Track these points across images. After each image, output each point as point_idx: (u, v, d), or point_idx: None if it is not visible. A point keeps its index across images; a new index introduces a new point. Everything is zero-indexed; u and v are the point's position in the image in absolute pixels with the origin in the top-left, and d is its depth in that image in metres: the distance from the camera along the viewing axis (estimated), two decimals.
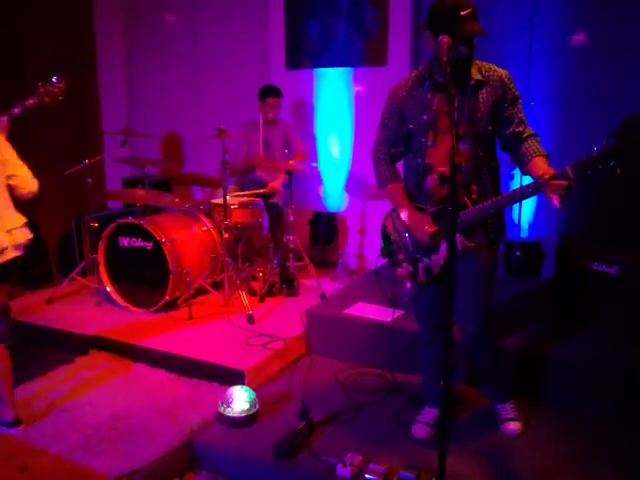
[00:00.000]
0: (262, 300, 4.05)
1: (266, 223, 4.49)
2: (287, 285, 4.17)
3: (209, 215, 4.23)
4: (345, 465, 2.30)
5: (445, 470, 1.91)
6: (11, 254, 2.55)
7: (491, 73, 2.27)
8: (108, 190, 5.69)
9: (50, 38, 5.21)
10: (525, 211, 4.20)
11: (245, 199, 4.28)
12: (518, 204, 4.15)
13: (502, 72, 2.29)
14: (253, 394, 2.76)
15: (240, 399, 2.70)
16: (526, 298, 3.60)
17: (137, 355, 3.35)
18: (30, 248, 2.68)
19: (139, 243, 3.85)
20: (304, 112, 4.94)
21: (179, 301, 3.93)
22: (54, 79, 2.79)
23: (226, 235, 3.92)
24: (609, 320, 2.95)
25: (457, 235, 2.29)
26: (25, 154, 2.73)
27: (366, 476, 2.26)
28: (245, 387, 2.80)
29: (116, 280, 4.00)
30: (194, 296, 3.96)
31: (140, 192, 4.11)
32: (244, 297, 3.78)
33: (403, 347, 3.05)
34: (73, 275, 4.23)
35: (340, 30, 4.64)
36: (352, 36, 4.60)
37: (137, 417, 2.77)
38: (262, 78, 4.82)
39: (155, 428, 2.68)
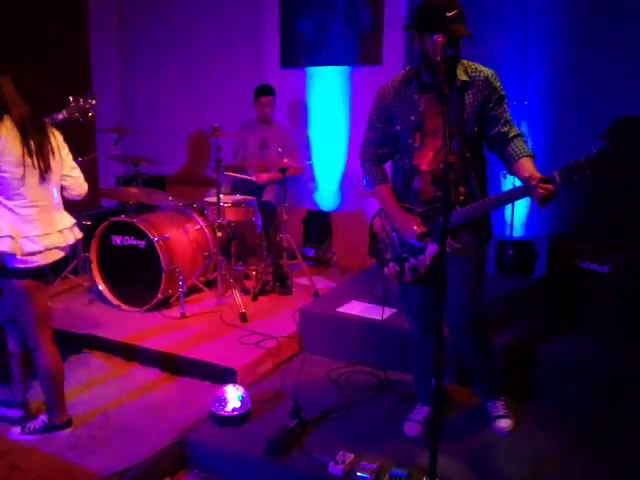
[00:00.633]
0: (255, 298, 4.05)
1: (260, 222, 4.49)
2: (280, 283, 4.17)
3: (202, 213, 4.22)
4: (337, 463, 2.31)
5: (436, 468, 1.92)
6: (60, 254, 2.56)
7: (477, 73, 2.27)
8: (101, 188, 5.66)
9: (44, 35, 5.18)
10: (518, 210, 4.21)
11: (239, 197, 4.28)
12: (511, 205, 4.16)
13: (488, 72, 2.29)
14: (245, 393, 2.75)
15: (232, 398, 2.69)
16: (518, 297, 3.61)
17: (129, 354, 3.34)
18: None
19: (132, 241, 3.84)
20: (299, 111, 4.93)
21: (172, 300, 3.92)
22: (87, 96, 2.79)
23: (219, 233, 3.92)
24: (600, 319, 2.96)
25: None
26: None
27: (358, 474, 2.27)
28: (238, 385, 2.80)
29: (108, 278, 3.98)
30: (187, 295, 3.95)
31: (133, 190, 4.10)
32: (237, 295, 3.78)
33: (395, 345, 3.06)
34: (65, 273, 4.21)
35: (335, 29, 4.64)
36: (347, 35, 4.60)
37: (129, 416, 2.77)
38: (257, 77, 4.82)
39: (147, 427, 2.67)
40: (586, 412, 2.70)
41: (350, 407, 2.82)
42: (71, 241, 2.60)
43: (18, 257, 2.39)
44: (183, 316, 3.73)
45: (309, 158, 4.90)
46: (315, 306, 3.65)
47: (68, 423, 2.66)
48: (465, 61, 2.30)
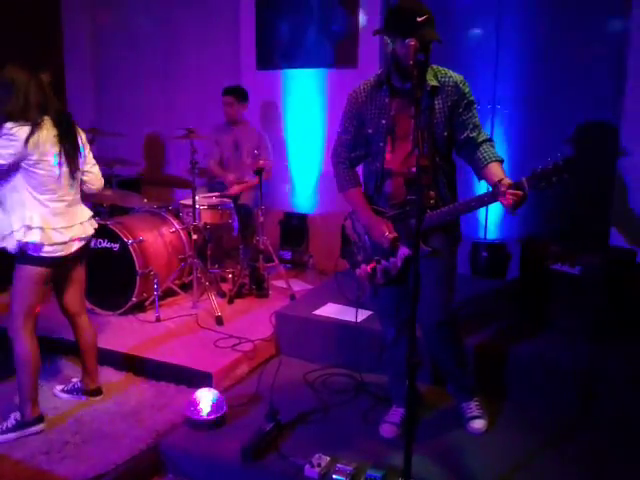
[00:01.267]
0: (231, 301, 4.03)
1: (236, 224, 4.47)
2: (257, 286, 4.16)
3: (178, 216, 4.19)
4: (313, 466, 2.31)
5: (411, 469, 1.93)
6: (79, 244, 2.71)
7: (447, 79, 2.29)
8: None
9: (15, 34, 5.10)
10: (492, 212, 4.27)
11: (215, 200, 4.26)
12: (485, 208, 4.21)
13: (457, 77, 2.32)
14: (221, 396, 2.74)
15: (207, 401, 2.67)
16: (491, 298, 3.65)
17: (103, 358, 3.27)
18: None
19: (105, 244, 3.80)
20: (274, 112, 4.93)
21: (147, 303, 3.88)
22: None
23: (195, 236, 3.89)
24: (571, 319, 3.02)
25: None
26: None
27: (334, 476, 2.27)
28: (213, 389, 2.79)
29: None
30: (162, 298, 3.92)
31: (107, 192, 4.05)
32: (213, 299, 3.76)
33: (371, 347, 3.07)
34: None
35: (311, 31, 4.65)
36: (322, 37, 4.62)
37: (102, 421, 2.73)
38: (233, 79, 4.80)
39: (121, 432, 2.64)
40: (558, 411, 2.75)
41: (326, 409, 2.83)
42: (91, 232, 2.79)
43: (45, 247, 2.53)
44: (158, 320, 3.70)
45: (285, 160, 4.90)
46: (291, 309, 3.65)
47: (40, 419, 2.69)
48: (435, 66, 2.32)
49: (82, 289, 2.94)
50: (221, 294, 4.12)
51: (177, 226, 4.09)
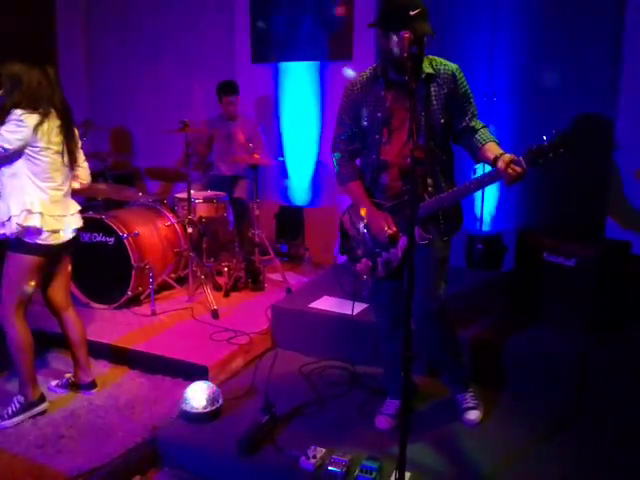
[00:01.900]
0: (227, 295, 4.03)
1: (232, 217, 4.47)
2: (252, 280, 4.16)
3: (173, 209, 4.18)
4: (308, 458, 2.31)
5: (405, 460, 1.94)
6: (72, 234, 2.76)
7: (442, 67, 2.31)
8: None
9: (7, 26, 5.06)
10: (487, 204, 4.27)
11: (210, 193, 4.25)
12: (481, 198, 4.22)
13: (453, 66, 2.33)
14: (217, 389, 2.74)
15: (203, 395, 2.68)
16: (487, 290, 3.66)
17: (98, 352, 3.29)
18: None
19: (100, 238, 3.78)
20: (270, 105, 4.92)
21: (142, 297, 3.88)
22: None
23: (190, 230, 3.88)
24: (566, 311, 3.03)
25: (415, 228, 2.32)
26: None
27: (329, 468, 2.27)
28: (208, 382, 2.79)
29: (77, 276, 3.87)
30: (157, 292, 3.91)
31: (101, 186, 4.04)
32: (208, 292, 3.76)
33: (367, 340, 3.07)
34: None
35: (306, 24, 4.63)
36: (317, 30, 4.60)
37: (98, 414, 2.73)
38: (227, 72, 4.78)
39: (117, 425, 2.64)
40: (552, 403, 2.76)
41: (322, 402, 2.83)
42: (80, 224, 2.82)
43: (42, 233, 2.57)
44: (154, 313, 3.69)
45: (281, 153, 4.89)
46: (287, 302, 3.65)
47: (42, 398, 2.77)
48: (431, 56, 2.32)
49: (68, 283, 2.96)
50: (217, 287, 4.12)
51: (172, 220, 4.08)
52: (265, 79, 4.85)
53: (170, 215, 4.10)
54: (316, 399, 2.85)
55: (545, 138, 2.03)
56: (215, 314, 3.63)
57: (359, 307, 3.19)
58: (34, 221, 2.56)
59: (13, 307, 2.67)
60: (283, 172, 4.96)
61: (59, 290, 2.88)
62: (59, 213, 2.66)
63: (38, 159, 2.56)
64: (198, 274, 3.91)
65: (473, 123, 2.35)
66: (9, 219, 2.55)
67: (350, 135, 2.45)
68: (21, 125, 2.48)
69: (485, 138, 2.31)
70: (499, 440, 2.51)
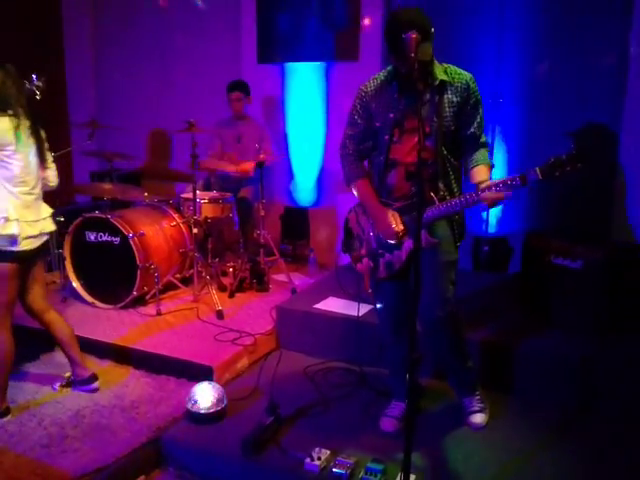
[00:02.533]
0: (232, 295, 4.03)
1: (237, 218, 4.46)
2: (257, 280, 4.16)
3: (178, 210, 4.18)
4: (313, 459, 2.31)
5: (410, 463, 1.93)
6: (45, 238, 2.71)
7: (456, 76, 2.31)
8: (75, 184, 5.58)
9: (15, 27, 5.08)
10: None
11: (215, 194, 4.25)
12: None
13: (467, 75, 2.33)
14: (221, 390, 2.74)
15: (208, 395, 2.67)
16: (493, 293, 3.65)
17: (103, 352, 3.30)
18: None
19: (106, 238, 3.79)
20: (275, 106, 4.91)
21: (147, 297, 3.88)
22: (33, 76, 2.78)
23: (195, 230, 3.89)
24: (573, 314, 3.01)
25: (422, 231, 2.31)
26: None
27: (334, 470, 2.27)
28: (213, 383, 2.79)
29: (83, 276, 3.93)
30: (163, 292, 3.92)
31: (107, 186, 4.04)
32: (213, 292, 3.76)
33: (372, 341, 3.06)
34: None
35: (312, 24, 4.63)
36: (324, 31, 4.59)
37: (103, 414, 2.73)
38: (233, 72, 4.79)
39: (121, 425, 2.64)
40: (560, 405, 2.75)
41: (327, 403, 2.83)
42: (53, 228, 2.76)
43: (19, 240, 2.53)
44: (159, 313, 3.70)
45: (286, 154, 4.89)
46: (292, 303, 3.64)
47: (94, 378, 2.90)
48: (445, 64, 2.33)
49: (44, 286, 2.93)
50: (222, 288, 4.12)
51: (178, 220, 4.08)
52: (271, 80, 4.85)
53: (176, 215, 4.11)
54: (321, 400, 2.85)
55: (564, 153, 2.03)
56: (220, 314, 3.63)
57: (364, 308, 3.18)
58: (12, 229, 2.50)
59: (1, 318, 2.63)
60: (288, 173, 4.96)
61: (37, 295, 2.83)
62: (32, 218, 2.60)
63: (10, 163, 2.49)
64: (203, 274, 3.92)
65: (479, 132, 2.37)
66: None
67: (362, 135, 2.44)
68: None
69: (480, 159, 2.35)
70: (506, 443, 2.50)
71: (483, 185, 2.23)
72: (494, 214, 4.29)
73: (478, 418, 2.60)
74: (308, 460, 2.31)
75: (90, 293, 3.89)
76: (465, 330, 2.60)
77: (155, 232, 3.92)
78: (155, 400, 2.86)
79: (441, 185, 2.33)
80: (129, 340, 3.32)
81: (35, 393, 2.93)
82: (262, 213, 4.10)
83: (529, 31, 4.04)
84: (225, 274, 4.31)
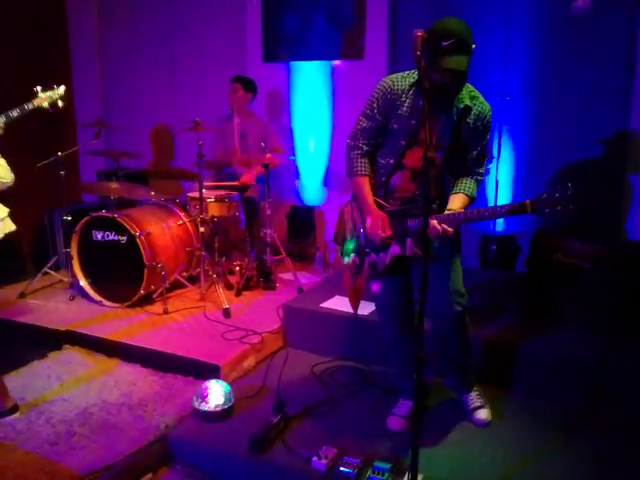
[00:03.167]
0: (239, 294, 4.03)
1: (244, 217, 4.47)
2: (264, 279, 4.16)
3: (185, 208, 4.19)
4: (320, 458, 2.31)
5: (418, 462, 1.93)
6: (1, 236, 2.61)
7: (479, 105, 2.31)
8: (82, 183, 5.60)
9: (22, 27, 5.10)
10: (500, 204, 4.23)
11: (222, 192, 4.25)
12: (494, 198, 4.19)
13: (487, 107, 2.33)
14: (228, 388, 2.74)
15: (215, 393, 2.68)
16: (501, 291, 3.63)
17: (111, 350, 3.31)
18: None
19: (113, 237, 3.80)
20: (281, 105, 4.91)
21: (154, 295, 3.89)
22: (54, 85, 2.77)
23: (202, 229, 3.89)
24: (581, 313, 2.99)
25: (408, 239, 2.32)
26: None
27: (341, 469, 2.26)
28: (220, 381, 2.79)
29: (90, 274, 3.94)
30: (170, 290, 3.93)
31: (114, 185, 4.05)
32: (220, 291, 3.76)
33: (379, 339, 3.05)
34: (46, 269, 4.16)
35: (317, 23, 4.62)
36: (329, 29, 4.58)
37: (110, 412, 2.74)
38: (239, 71, 4.78)
39: (129, 423, 2.65)
40: (566, 406, 2.73)
41: (334, 402, 2.82)
42: (13, 228, 2.67)
43: None
44: (166, 312, 3.70)
45: (292, 153, 4.89)
46: (299, 301, 3.64)
47: (14, 409, 2.69)
48: (471, 87, 2.33)
49: None
50: (228, 287, 4.12)
51: (184, 219, 4.09)
52: (277, 78, 4.84)
53: (182, 214, 4.11)
54: (328, 399, 2.85)
55: (557, 188, 2.03)
56: (227, 313, 3.64)
57: (370, 307, 3.17)
58: None
59: None
60: (295, 172, 4.95)
61: None
62: None
63: None
64: (210, 273, 3.92)
65: (475, 158, 2.36)
66: None
67: (377, 130, 2.38)
68: None
69: (464, 189, 2.34)
70: (513, 443, 2.48)
71: (446, 212, 2.25)
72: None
73: (482, 414, 2.61)
74: (315, 459, 2.31)
75: (97, 292, 3.90)
76: (470, 328, 2.61)
77: (162, 231, 3.93)
78: (162, 398, 2.87)
79: (437, 200, 2.36)
80: (136, 338, 3.33)
81: (43, 391, 2.94)
82: (268, 212, 4.10)
83: (537, 29, 4.02)
84: (232, 273, 4.32)
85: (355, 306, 2.67)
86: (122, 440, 2.51)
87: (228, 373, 3.04)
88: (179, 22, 5.24)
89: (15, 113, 2.62)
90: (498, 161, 4.02)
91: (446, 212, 2.28)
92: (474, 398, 2.65)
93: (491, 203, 4.23)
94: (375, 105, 2.36)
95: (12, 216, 2.70)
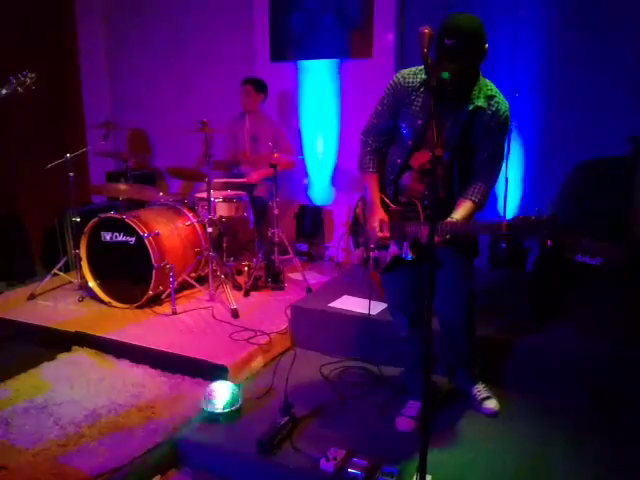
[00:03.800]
0: (247, 294, 4.02)
1: (252, 217, 4.46)
2: (272, 279, 4.15)
3: (193, 209, 4.19)
4: (328, 459, 2.29)
5: (426, 464, 1.90)
6: None
7: (494, 103, 2.22)
8: (92, 184, 5.63)
9: (30, 28, 5.13)
10: (510, 203, 4.20)
11: (230, 193, 4.25)
12: (503, 196, 4.16)
13: (504, 106, 2.24)
14: (236, 389, 2.74)
15: (223, 394, 2.67)
16: (510, 290, 3.60)
17: (120, 351, 3.31)
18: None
19: (122, 238, 3.81)
20: (289, 104, 4.90)
21: (163, 296, 3.89)
22: (25, 72, 2.91)
23: (210, 229, 3.89)
24: (592, 312, 2.96)
25: (405, 243, 2.32)
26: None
27: (349, 470, 2.25)
28: (228, 382, 2.78)
29: (99, 275, 3.95)
30: (178, 291, 3.93)
31: (123, 186, 4.06)
32: (228, 291, 3.76)
33: (388, 340, 3.04)
34: (55, 270, 4.18)
35: (325, 22, 4.60)
36: (337, 28, 4.56)
37: (119, 413, 2.73)
38: (247, 71, 4.78)
39: (137, 424, 2.65)
40: (576, 405, 2.70)
41: (342, 403, 2.81)
42: None
43: None
44: (174, 313, 3.70)
45: (301, 152, 4.87)
46: (307, 301, 3.63)
47: None
48: (489, 84, 2.25)
49: None
50: (237, 287, 4.12)
51: (192, 219, 4.09)
52: (284, 78, 4.83)
53: (190, 215, 4.11)
54: (336, 400, 2.83)
55: (537, 212, 2.00)
56: (235, 313, 3.63)
57: (379, 306, 3.15)
58: None
59: None
60: (303, 171, 4.94)
61: None
62: None
63: None
64: (218, 273, 3.92)
65: (487, 160, 2.29)
66: None
67: (386, 128, 2.37)
68: None
69: (472, 194, 2.28)
70: (522, 443, 2.46)
71: (448, 220, 2.21)
72: (511, 210, 4.23)
73: (491, 403, 2.65)
74: (323, 460, 2.29)
75: (106, 293, 3.91)
76: (479, 326, 2.63)
77: (170, 232, 3.93)
78: (171, 399, 2.86)
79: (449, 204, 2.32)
80: (145, 339, 3.33)
81: (52, 392, 2.94)
82: (276, 212, 4.09)
83: (545, 25, 3.97)
84: (240, 273, 4.31)
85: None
86: (130, 442, 2.51)
87: (236, 374, 3.03)
88: (187, 23, 5.24)
89: None
90: (507, 159, 3.99)
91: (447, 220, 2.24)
92: (481, 390, 2.69)
93: (501, 202, 4.20)
94: (385, 101, 2.35)
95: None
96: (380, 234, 2.34)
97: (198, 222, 4.08)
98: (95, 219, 3.86)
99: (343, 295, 3.56)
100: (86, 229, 3.90)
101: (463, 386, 2.77)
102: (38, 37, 5.18)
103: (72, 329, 3.50)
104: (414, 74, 2.28)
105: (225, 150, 4.68)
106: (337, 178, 4.83)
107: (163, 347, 3.24)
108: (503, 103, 2.25)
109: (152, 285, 3.72)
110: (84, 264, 3.94)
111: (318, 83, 4.74)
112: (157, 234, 3.78)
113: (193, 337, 3.37)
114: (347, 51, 4.56)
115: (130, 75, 5.65)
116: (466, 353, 2.68)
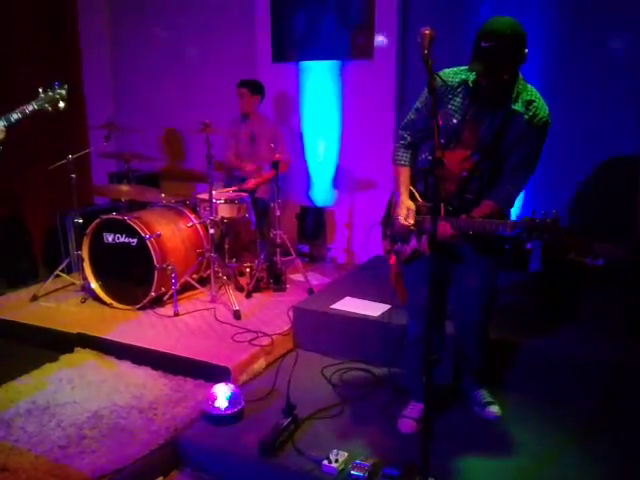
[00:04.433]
0: (249, 296, 4.02)
1: (254, 218, 4.46)
2: (274, 280, 4.15)
3: (195, 210, 4.19)
4: (330, 461, 2.29)
5: (429, 466, 1.90)
6: None
7: (532, 108, 2.20)
8: (94, 185, 5.63)
9: (33, 31, 5.13)
10: (521, 205, 4.18)
11: (232, 194, 4.25)
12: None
13: (544, 112, 2.22)
14: (238, 391, 2.73)
15: (225, 396, 2.67)
16: (513, 291, 3.59)
17: (122, 352, 3.31)
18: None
19: (124, 239, 3.81)
20: (290, 105, 4.90)
21: (165, 297, 3.89)
22: (56, 84, 2.67)
23: (212, 230, 3.89)
24: (595, 312, 2.95)
25: (424, 237, 2.32)
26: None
27: (352, 472, 2.25)
28: (230, 384, 2.78)
29: (101, 277, 3.95)
30: (180, 292, 3.93)
31: (125, 187, 4.06)
32: (230, 293, 3.76)
33: (390, 341, 3.04)
34: (58, 272, 4.18)
35: (326, 23, 4.60)
36: (338, 29, 4.56)
37: (121, 415, 2.74)
38: (248, 72, 4.78)
39: (139, 426, 2.65)
40: (581, 407, 2.70)
41: (344, 404, 2.81)
42: None
43: None
44: (176, 314, 3.70)
45: (302, 154, 4.87)
46: (309, 303, 3.62)
47: None
48: (530, 89, 2.23)
49: None
50: (239, 288, 4.12)
51: (194, 220, 4.09)
52: (286, 79, 4.83)
53: (192, 216, 4.11)
54: (338, 401, 2.83)
55: (542, 214, 2.01)
56: (237, 315, 3.63)
57: (382, 308, 3.15)
58: None
59: None
60: (304, 172, 4.94)
61: None
62: None
63: None
64: (220, 275, 3.92)
65: (518, 166, 2.27)
66: None
67: (422, 124, 2.37)
68: None
69: (497, 197, 2.30)
70: (526, 446, 2.45)
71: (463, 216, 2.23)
72: (515, 211, 4.21)
73: (494, 408, 2.65)
74: (326, 462, 2.29)
75: (108, 294, 3.91)
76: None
77: (172, 233, 3.93)
78: (173, 401, 2.86)
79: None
80: (147, 341, 3.33)
81: (54, 394, 2.95)
82: (278, 213, 4.09)
83: (547, 26, 3.96)
84: (242, 274, 4.31)
85: (400, 295, 2.67)
86: (132, 443, 2.51)
87: (238, 375, 3.03)
88: (188, 24, 5.25)
89: (16, 116, 2.58)
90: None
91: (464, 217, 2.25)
92: (485, 395, 2.70)
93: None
94: (423, 99, 2.37)
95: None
96: (404, 222, 2.34)
97: (200, 223, 4.08)
98: (97, 220, 3.86)
99: (345, 296, 3.56)
100: (88, 230, 3.90)
101: (467, 390, 2.76)
102: (40, 37, 5.18)
103: (74, 330, 3.51)
104: (455, 74, 2.29)
105: (225, 151, 4.68)
106: (339, 179, 4.83)
107: (165, 348, 3.23)
108: (542, 109, 2.22)
109: (154, 286, 3.72)
110: (86, 265, 3.95)
111: (319, 84, 4.73)
112: (159, 235, 3.78)
113: (195, 338, 3.37)
114: (348, 52, 4.55)
115: (133, 76, 5.65)
116: (475, 357, 2.67)
